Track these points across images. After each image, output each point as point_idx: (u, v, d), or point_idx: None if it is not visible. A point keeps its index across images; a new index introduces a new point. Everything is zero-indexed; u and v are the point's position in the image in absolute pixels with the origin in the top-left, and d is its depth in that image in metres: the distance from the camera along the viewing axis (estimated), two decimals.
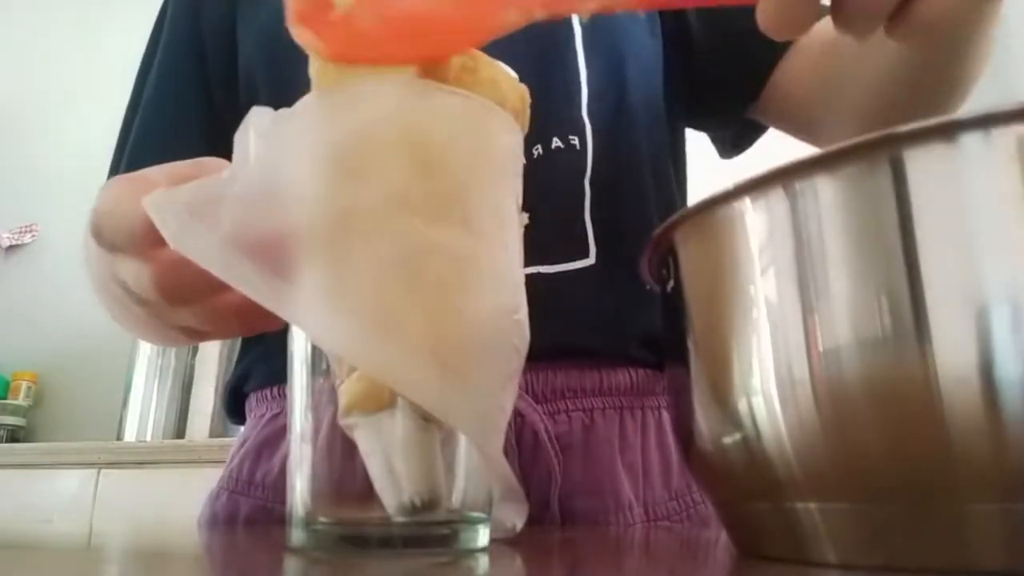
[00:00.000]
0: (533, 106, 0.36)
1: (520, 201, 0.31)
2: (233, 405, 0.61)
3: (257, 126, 0.29)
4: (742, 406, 0.22)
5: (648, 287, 0.31)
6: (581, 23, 0.55)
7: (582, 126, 0.54)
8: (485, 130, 0.29)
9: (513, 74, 0.32)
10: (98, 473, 1.62)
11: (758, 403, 0.21)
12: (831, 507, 0.21)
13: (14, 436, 2.06)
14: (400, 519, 0.26)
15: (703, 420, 0.24)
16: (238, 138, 0.29)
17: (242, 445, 0.56)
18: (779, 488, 0.22)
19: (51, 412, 2.19)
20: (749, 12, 0.27)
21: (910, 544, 0.19)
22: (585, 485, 0.49)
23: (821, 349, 0.20)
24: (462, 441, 0.28)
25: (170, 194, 0.28)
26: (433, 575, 0.23)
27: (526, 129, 0.33)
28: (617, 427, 0.51)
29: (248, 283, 0.26)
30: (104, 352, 2.12)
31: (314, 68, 0.29)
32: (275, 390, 0.55)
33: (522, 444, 0.49)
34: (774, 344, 0.21)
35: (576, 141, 0.53)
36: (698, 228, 0.25)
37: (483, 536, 0.28)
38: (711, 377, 0.24)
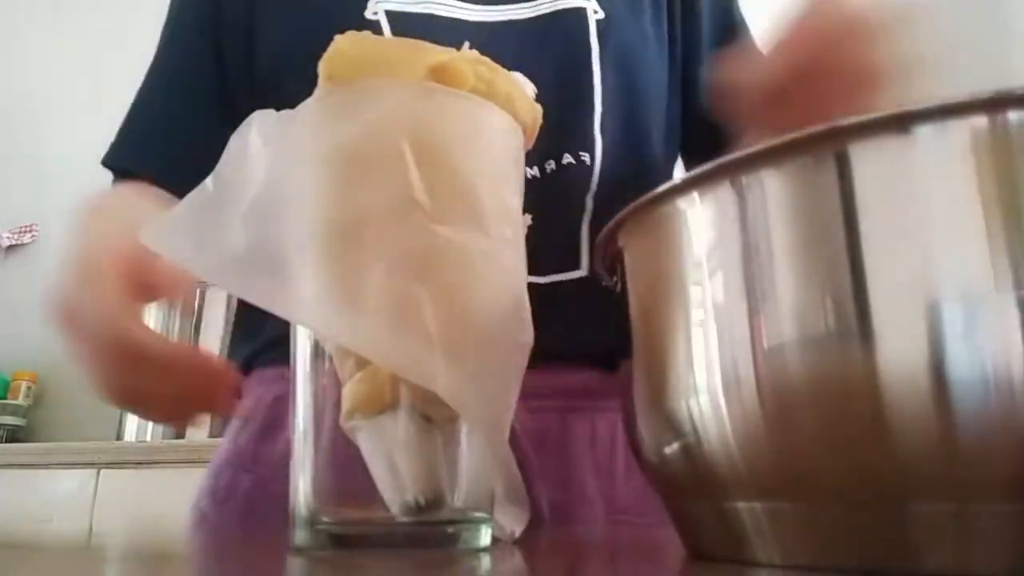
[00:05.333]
0: (550, 122, 0.36)
1: (522, 201, 0.31)
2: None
3: (261, 130, 0.28)
4: (685, 405, 0.22)
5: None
6: (599, 38, 0.56)
7: (593, 143, 0.55)
8: (489, 130, 0.29)
9: (531, 89, 0.33)
10: (98, 473, 1.61)
11: (702, 402, 0.21)
12: (775, 507, 0.20)
13: (14, 436, 2.06)
14: (403, 519, 0.26)
15: (649, 419, 0.24)
16: (234, 139, 0.29)
17: (245, 424, 0.56)
18: (723, 487, 0.21)
19: (51, 412, 2.18)
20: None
21: (854, 545, 0.19)
22: (555, 479, 0.50)
23: (766, 347, 0.20)
24: (464, 442, 0.28)
25: (165, 223, 0.28)
26: (435, 575, 0.22)
27: (531, 145, 0.33)
28: (589, 426, 0.52)
29: (262, 296, 0.26)
30: None
31: (322, 68, 0.28)
32: (276, 372, 0.55)
33: None
34: (719, 341, 0.21)
35: (586, 157, 0.54)
36: (644, 224, 0.24)
37: (485, 536, 0.28)
38: (655, 375, 0.24)
